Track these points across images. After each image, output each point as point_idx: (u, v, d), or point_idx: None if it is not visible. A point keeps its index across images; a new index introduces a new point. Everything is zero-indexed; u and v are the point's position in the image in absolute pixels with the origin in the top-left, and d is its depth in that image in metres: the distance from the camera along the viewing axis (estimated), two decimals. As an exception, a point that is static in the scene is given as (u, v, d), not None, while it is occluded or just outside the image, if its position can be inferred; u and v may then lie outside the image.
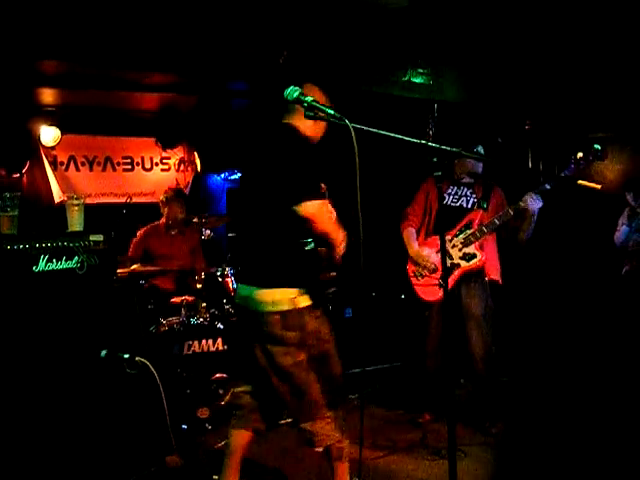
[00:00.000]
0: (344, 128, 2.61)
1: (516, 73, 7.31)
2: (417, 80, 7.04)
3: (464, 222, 5.33)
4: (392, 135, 2.76)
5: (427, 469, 4.53)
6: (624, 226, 7.01)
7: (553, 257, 7.75)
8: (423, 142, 2.63)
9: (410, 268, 5.53)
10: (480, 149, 5.53)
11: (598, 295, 7.14)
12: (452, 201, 5.48)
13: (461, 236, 5.28)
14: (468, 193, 5.49)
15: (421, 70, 7.04)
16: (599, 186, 2.76)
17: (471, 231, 5.26)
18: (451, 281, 5.25)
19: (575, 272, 7.59)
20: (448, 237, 5.31)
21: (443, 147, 2.58)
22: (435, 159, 2.58)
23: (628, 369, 5.97)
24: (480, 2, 6.25)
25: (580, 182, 2.81)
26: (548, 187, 5.03)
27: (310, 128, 3.53)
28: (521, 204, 4.99)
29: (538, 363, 6.70)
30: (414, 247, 5.51)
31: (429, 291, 5.38)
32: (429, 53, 7.04)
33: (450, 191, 5.54)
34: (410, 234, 5.60)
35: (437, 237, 5.34)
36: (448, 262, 5.25)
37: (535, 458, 4.60)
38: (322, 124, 3.58)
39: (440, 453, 4.68)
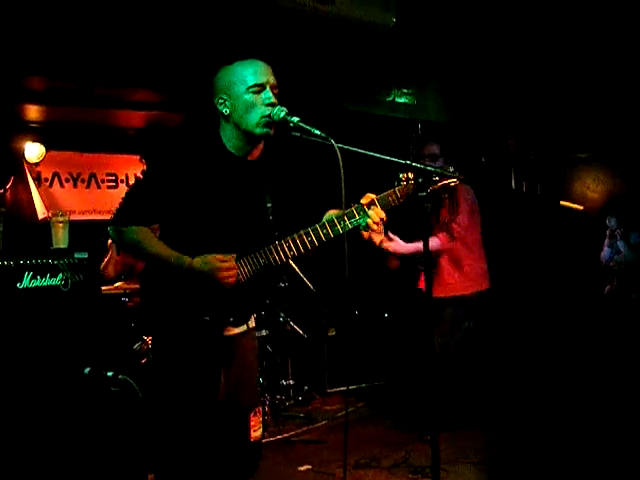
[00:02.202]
0: (330, 148, 2.63)
1: (500, 94, 7.39)
2: (401, 100, 7.10)
3: None
4: (376, 155, 2.79)
5: (410, 488, 4.55)
6: (606, 247, 7.27)
7: (539, 275, 7.81)
8: (407, 162, 2.66)
9: None
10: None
11: (582, 314, 7.22)
12: None
13: None
14: None
15: (405, 90, 7.10)
16: (581, 207, 2.79)
17: None
18: None
19: (561, 291, 7.66)
20: None
21: (427, 167, 2.61)
22: (420, 180, 2.61)
23: (613, 385, 6.01)
24: (464, 24, 6.33)
25: (563, 203, 2.84)
26: None
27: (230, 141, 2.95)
28: None
29: (524, 381, 6.71)
30: None
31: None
32: (413, 73, 7.11)
33: None
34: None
35: None
36: None
37: (519, 476, 4.61)
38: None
39: (423, 472, 4.68)
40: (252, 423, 3.05)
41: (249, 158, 2.97)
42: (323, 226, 2.82)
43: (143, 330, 5.50)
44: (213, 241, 2.86)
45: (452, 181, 2.78)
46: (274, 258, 2.84)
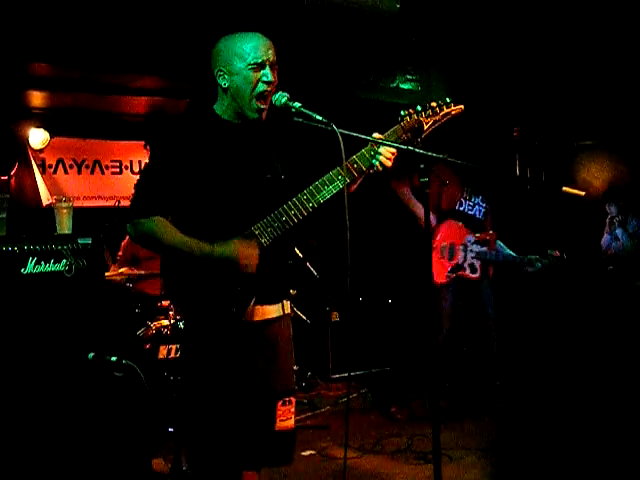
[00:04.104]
0: (332, 133, 2.63)
1: (505, 81, 7.37)
2: (405, 86, 7.09)
3: (484, 236, 5.80)
4: (379, 141, 2.79)
5: (412, 473, 4.56)
6: (606, 234, 7.30)
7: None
8: (410, 148, 2.66)
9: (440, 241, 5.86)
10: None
11: (584, 301, 7.22)
12: (468, 208, 5.93)
13: (478, 247, 5.75)
14: (481, 203, 5.96)
15: (409, 76, 7.08)
16: (583, 193, 2.79)
17: (486, 249, 5.74)
18: (448, 277, 5.75)
19: (563, 276, 7.66)
20: (472, 239, 5.79)
21: (430, 153, 2.60)
22: (422, 165, 2.60)
23: (616, 374, 6.02)
24: (469, 11, 6.30)
25: (565, 189, 2.84)
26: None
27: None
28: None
29: (530, 367, 6.72)
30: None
31: (438, 272, 5.77)
32: (418, 60, 7.09)
33: (471, 202, 5.95)
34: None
35: (461, 229, 5.83)
36: (462, 259, 5.78)
37: (521, 463, 4.63)
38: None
39: (426, 457, 4.70)
40: (279, 412, 2.95)
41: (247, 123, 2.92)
42: (337, 173, 2.82)
43: (147, 315, 5.54)
44: (229, 210, 2.81)
45: (455, 109, 2.95)
46: (294, 213, 2.80)
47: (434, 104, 2.92)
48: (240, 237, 2.78)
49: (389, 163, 2.83)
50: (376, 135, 2.84)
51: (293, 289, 6.81)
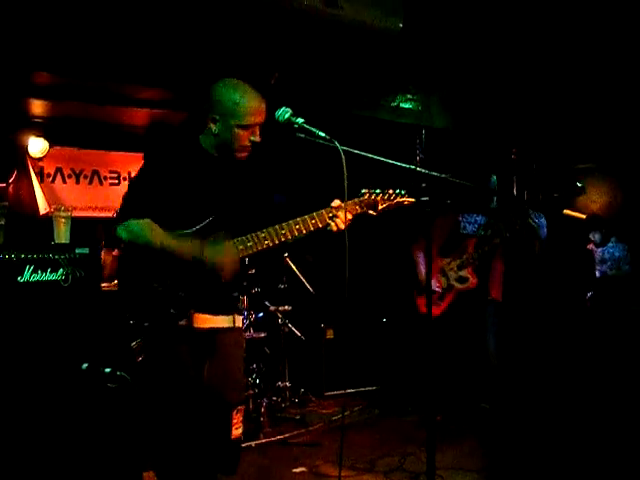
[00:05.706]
0: (334, 151, 2.64)
1: (504, 103, 7.40)
2: (406, 106, 7.11)
3: (461, 247, 5.94)
4: (382, 159, 2.80)
5: (405, 493, 4.55)
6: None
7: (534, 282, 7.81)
8: (412, 167, 2.67)
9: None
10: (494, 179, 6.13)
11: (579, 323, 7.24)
12: (472, 230, 6.06)
13: (458, 260, 5.89)
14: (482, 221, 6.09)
15: (410, 96, 7.11)
16: (584, 216, 2.81)
17: (465, 256, 5.86)
18: (447, 300, 5.89)
19: (561, 299, 7.68)
20: (447, 260, 5.93)
21: (432, 173, 2.61)
22: (424, 184, 2.62)
23: (607, 394, 6.03)
24: (470, 32, 6.33)
25: (566, 212, 2.85)
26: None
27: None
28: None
29: (520, 388, 6.71)
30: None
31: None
32: (419, 79, 7.11)
33: (470, 219, 6.07)
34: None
35: (435, 261, 5.96)
36: (445, 283, 5.91)
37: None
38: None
39: (418, 477, 4.68)
40: (234, 421, 3.11)
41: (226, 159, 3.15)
42: (295, 223, 3.07)
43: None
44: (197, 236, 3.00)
45: (407, 200, 3.23)
46: (251, 245, 3.02)
47: (391, 191, 3.24)
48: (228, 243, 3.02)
49: (342, 226, 3.12)
50: (336, 202, 3.13)
51: (289, 305, 6.81)
